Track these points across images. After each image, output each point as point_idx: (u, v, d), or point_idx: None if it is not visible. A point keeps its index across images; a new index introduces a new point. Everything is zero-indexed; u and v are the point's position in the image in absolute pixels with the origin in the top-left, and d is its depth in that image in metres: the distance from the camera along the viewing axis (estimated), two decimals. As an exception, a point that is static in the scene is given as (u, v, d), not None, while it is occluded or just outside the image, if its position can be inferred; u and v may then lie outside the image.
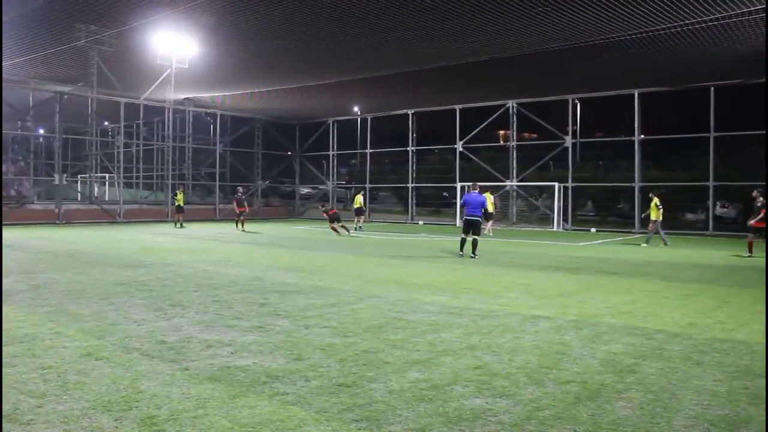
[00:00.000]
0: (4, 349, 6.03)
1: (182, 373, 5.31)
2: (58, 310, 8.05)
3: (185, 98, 34.74)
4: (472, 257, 15.60)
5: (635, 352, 6.27)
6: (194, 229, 27.10)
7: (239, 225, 25.77)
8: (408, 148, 36.71)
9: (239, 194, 26.90)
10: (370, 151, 39.03)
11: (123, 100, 32.08)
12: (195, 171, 37.68)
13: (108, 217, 31.64)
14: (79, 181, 42.77)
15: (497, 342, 6.65)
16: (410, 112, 36.22)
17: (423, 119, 36.72)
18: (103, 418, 4.25)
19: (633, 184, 28.77)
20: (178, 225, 27.29)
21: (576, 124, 31.05)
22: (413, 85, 28.63)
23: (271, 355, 5.97)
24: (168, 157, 34.71)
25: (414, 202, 36.97)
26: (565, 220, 30.26)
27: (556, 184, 30.09)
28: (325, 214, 25.43)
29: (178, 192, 28.05)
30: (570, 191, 30.39)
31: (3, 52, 24.27)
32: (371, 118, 38.91)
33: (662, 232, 20.90)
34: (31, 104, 36.30)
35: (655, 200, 20.98)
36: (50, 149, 38.81)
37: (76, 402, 4.55)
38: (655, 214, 20.86)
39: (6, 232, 22.86)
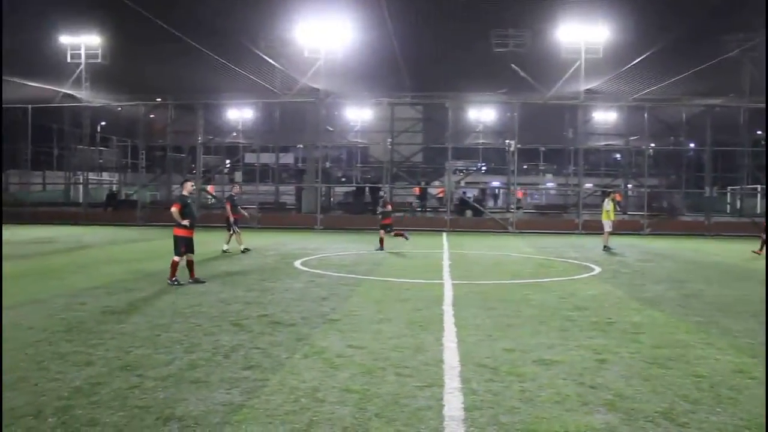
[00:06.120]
0: (659, 350, 6.48)
1: None
2: (708, 321, 8.12)
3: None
4: None
5: None
6: None
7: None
8: None
9: None
10: None
11: (777, 105, 29.93)
12: None
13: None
14: (728, 193, 42.03)
15: None
16: None
17: None
18: (757, 438, 4.13)
19: None
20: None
21: None
22: None
23: None
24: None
25: None
26: None
27: None
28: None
29: None
30: None
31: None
32: None
33: None
34: (683, 120, 37.38)
35: None
36: (699, 162, 39.34)
37: (729, 417, 4.55)
38: None
39: (658, 241, 24.17)
